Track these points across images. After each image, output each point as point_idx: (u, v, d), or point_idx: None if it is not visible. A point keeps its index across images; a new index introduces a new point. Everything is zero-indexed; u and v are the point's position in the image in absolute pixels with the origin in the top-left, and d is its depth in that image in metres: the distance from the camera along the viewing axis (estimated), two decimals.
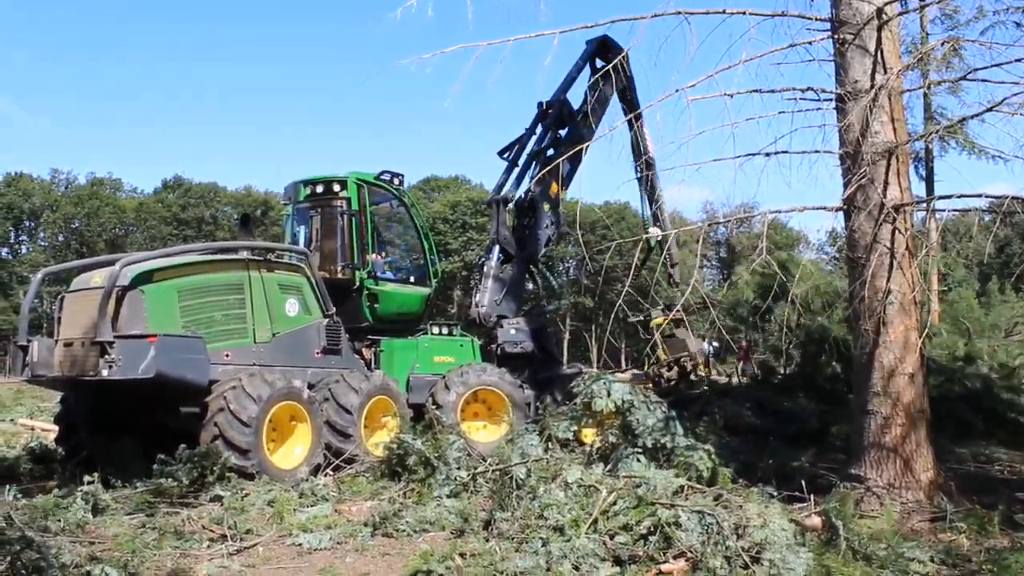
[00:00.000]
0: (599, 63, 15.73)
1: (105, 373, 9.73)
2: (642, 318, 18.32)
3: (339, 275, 13.33)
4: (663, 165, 15.09)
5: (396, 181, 14.11)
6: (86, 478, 8.89)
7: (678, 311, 14.06)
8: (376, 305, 13.50)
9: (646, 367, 18.27)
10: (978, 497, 8.67)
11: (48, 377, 10.76)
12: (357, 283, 13.27)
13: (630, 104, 15.98)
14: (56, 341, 10.69)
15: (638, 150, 15.32)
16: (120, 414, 10.98)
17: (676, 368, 17.26)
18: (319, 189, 13.56)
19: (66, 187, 75.25)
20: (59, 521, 8.07)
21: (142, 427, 10.96)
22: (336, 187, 13.43)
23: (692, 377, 17.18)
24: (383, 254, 14.09)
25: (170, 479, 9.28)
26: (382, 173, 13.88)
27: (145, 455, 10.08)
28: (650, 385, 16.32)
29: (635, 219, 71.70)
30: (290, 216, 14.02)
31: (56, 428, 12.49)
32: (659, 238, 16.01)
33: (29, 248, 73.73)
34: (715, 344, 22.14)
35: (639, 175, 15.54)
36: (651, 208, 17.00)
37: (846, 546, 6.60)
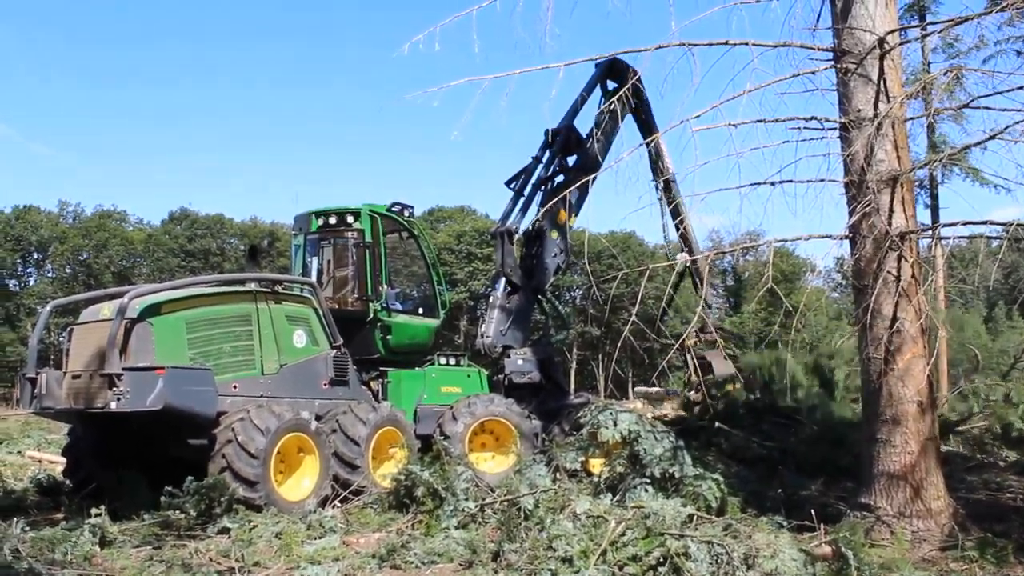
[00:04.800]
0: (610, 85, 15.53)
1: (113, 405, 9.74)
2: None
3: (353, 307, 13.35)
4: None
5: (406, 213, 14.17)
6: (93, 510, 8.86)
7: (713, 333, 14.01)
8: (389, 337, 13.50)
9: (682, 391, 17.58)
10: (990, 525, 8.60)
11: (56, 409, 10.77)
12: (371, 315, 13.27)
13: (645, 124, 15.77)
14: (64, 373, 10.72)
15: (657, 169, 15.24)
16: (128, 446, 10.97)
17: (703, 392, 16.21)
18: (332, 220, 13.59)
19: (74, 219, 75.51)
20: (66, 554, 8.07)
21: (150, 459, 10.97)
22: (350, 218, 13.47)
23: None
24: (391, 285, 14.08)
25: (178, 511, 9.26)
26: (393, 205, 13.93)
27: (153, 487, 10.06)
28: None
29: (640, 247, 72.21)
30: (301, 247, 14.03)
31: (63, 460, 12.49)
32: (688, 263, 15.68)
33: (37, 280, 73.83)
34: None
35: (659, 195, 15.29)
36: (677, 230, 16.58)
37: None
